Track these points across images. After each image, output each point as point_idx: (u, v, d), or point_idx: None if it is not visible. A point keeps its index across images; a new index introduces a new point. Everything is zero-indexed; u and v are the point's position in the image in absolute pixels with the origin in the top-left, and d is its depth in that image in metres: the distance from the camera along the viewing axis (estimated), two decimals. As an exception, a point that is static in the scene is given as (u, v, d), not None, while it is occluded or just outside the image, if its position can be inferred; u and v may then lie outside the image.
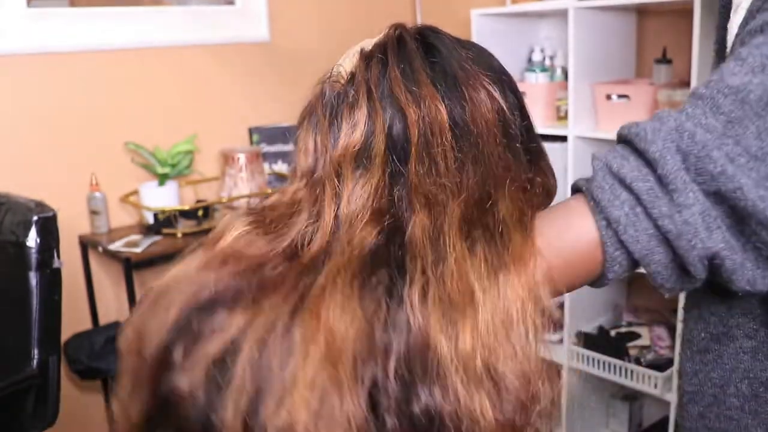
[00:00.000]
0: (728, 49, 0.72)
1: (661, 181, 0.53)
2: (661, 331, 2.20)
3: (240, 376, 0.51)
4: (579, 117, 2.14)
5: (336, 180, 0.59)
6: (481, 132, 0.60)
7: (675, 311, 2.08)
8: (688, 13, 1.83)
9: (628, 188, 0.55)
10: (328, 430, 0.49)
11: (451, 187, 0.57)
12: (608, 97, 2.09)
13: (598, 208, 0.56)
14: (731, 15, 0.72)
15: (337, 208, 0.58)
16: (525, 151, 0.63)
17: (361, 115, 0.60)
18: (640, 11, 2.24)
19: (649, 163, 0.54)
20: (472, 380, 0.51)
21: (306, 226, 0.59)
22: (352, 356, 0.51)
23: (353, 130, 0.59)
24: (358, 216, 0.57)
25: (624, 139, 0.58)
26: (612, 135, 2.23)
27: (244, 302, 0.54)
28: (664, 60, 2.10)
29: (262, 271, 0.57)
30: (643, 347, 2.16)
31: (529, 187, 0.60)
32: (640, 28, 2.27)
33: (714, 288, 0.66)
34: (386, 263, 0.54)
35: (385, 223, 0.56)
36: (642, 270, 0.58)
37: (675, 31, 2.16)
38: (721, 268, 0.55)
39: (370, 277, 0.54)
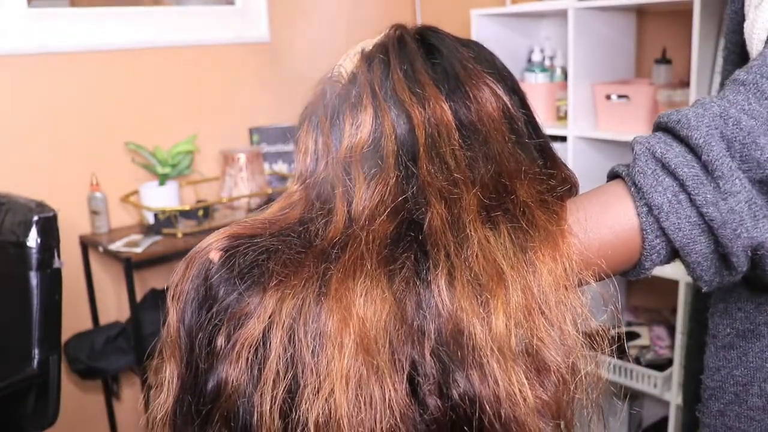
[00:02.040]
0: (748, 45, 0.71)
1: (706, 167, 0.51)
2: (660, 331, 2.21)
3: (274, 365, 0.51)
4: (579, 117, 2.14)
5: (346, 179, 0.59)
6: (488, 130, 0.60)
7: (675, 311, 2.08)
8: (688, 13, 1.83)
9: (672, 174, 0.52)
10: (370, 418, 0.49)
11: (465, 180, 0.56)
12: (608, 97, 2.09)
13: (639, 193, 0.54)
14: (752, 11, 0.71)
15: (349, 206, 0.58)
16: (534, 147, 0.63)
17: (366, 115, 0.59)
18: (640, 11, 2.24)
19: (693, 150, 0.52)
20: (509, 361, 0.49)
21: (318, 219, 0.58)
22: (388, 341, 0.50)
23: (358, 131, 0.59)
24: (373, 213, 0.56)
25: (664, 127, 0.56)
26: (611, 135, 2.22)
27: (273, 281, 0.53)
28: (664, 60, 2.10)
29: (281, 249, 0.56)
30: (642, 347, 2.16)
31: (546, 179, 0.59)
32: (640, 28, 2.27)
33: (746, 282, 0.65)
34: (408, 249, 0.53)
35: (402, 217, 0.56)
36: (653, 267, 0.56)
37: (675, 31, 2.16)
38: (765, 260, 0.53)
39: (395, 260, 0.52)
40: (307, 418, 0.49)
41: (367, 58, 0.63)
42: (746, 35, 0.71)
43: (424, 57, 0.63)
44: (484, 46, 0.68)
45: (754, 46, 0.69)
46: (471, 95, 0.61)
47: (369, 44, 0.66)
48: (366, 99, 0.60)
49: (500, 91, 0.62)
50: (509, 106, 0.63)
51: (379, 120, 0.59)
